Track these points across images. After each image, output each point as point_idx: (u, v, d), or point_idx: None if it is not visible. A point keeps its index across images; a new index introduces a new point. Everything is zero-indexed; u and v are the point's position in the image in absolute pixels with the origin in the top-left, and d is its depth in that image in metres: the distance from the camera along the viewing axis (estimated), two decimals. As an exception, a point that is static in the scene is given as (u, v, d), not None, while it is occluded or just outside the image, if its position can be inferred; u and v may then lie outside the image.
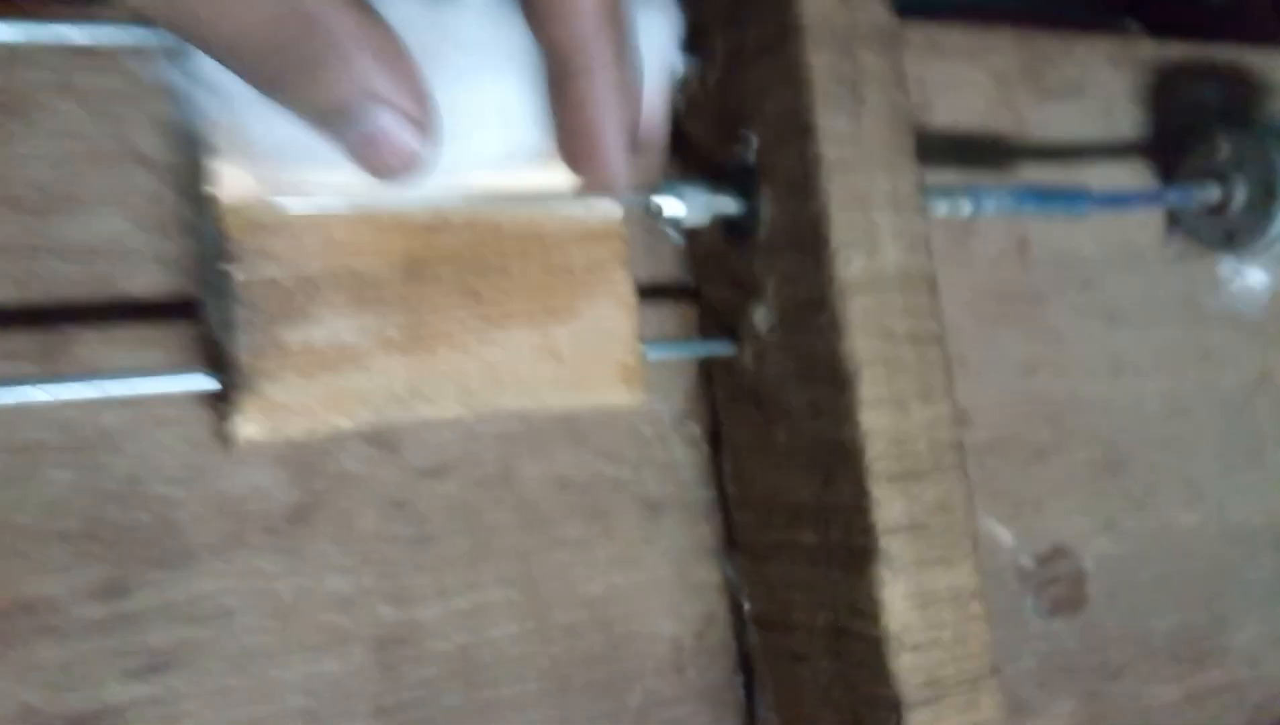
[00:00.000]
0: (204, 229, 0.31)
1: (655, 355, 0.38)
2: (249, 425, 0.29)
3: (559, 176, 0.32)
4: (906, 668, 0.33)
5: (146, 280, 0.32)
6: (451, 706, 0.35)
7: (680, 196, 0.36)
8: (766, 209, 0.36)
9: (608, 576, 0.38)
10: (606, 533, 0.38)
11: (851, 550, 0.34)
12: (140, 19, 0.25)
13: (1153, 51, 0.53)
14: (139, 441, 0.32)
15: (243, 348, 0.29)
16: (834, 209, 0.33)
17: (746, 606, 0.39)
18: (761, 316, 0.36)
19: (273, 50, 0.22)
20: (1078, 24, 0.55)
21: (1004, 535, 0.46)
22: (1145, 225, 0.52)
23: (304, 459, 0.34)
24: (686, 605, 0.39)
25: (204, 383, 0.30)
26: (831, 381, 0.34)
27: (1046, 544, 0.47)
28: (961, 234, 0.46)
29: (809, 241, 0.34)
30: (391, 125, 0.24)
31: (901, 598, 0.33)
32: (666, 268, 0.41)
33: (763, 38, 0.36)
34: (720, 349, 0.38)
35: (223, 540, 0.32)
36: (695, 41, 0.38)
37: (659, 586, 0.39)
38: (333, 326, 0.30)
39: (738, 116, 0.37)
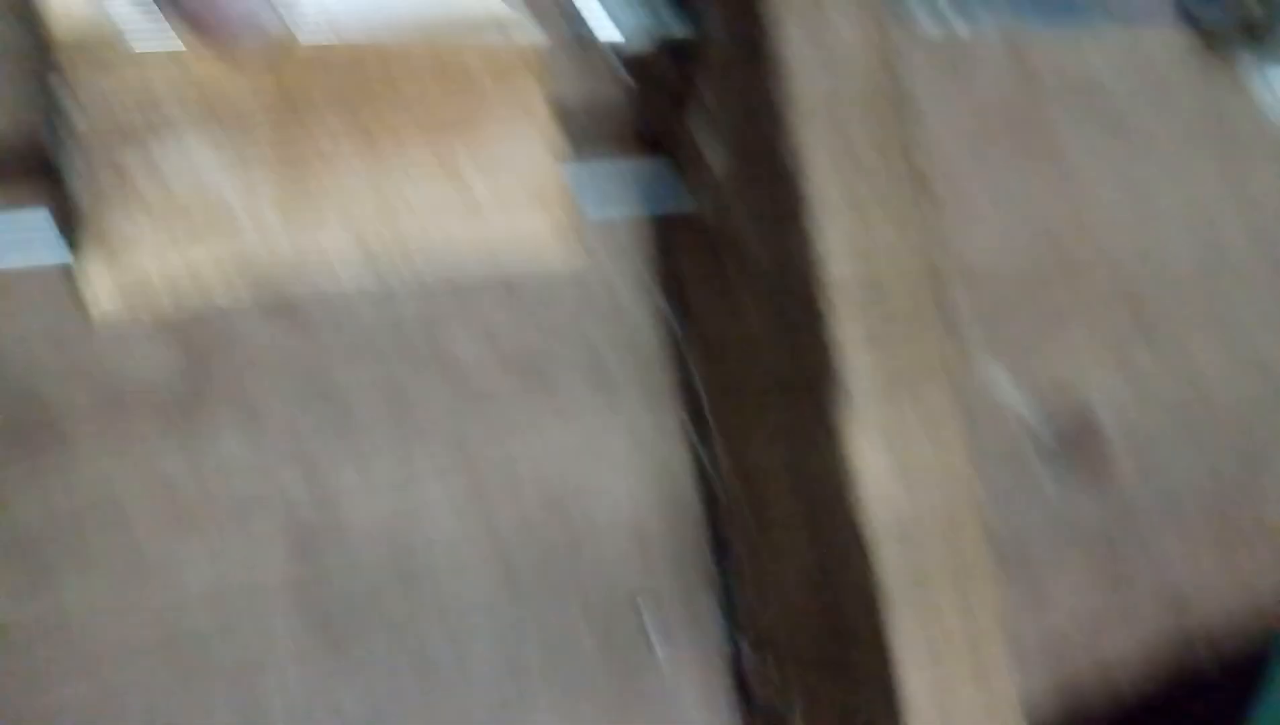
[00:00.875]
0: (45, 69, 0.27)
1: (605, 213, 0.33)
2: (103, 296, 0.25)
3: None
4: (889, 557, 0.28)
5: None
6: (385, 613, 0.31)
7: (611, 13, 0.30)
8: (714, 27, 0.31)
9: (559, 458, 0.34)
10: (559, 413, 0.34)
11: (820, 413, 0.29)
12: None
13: None
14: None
15: (89, 210, 0.25)
16: (787, 21, 0.28)
17: (717, 485, 0.35)
18: (717, 159, 0.32)
19: None
20: None
21: (1014, 395, 0.42)
22: (1169, 44, 0.45)
23: (198, 332, 0.30)
24: (650, 487, 0.35)
25: (58, 255, 0.26)
26: (793, 229, 0.29)
27: (1067, 412, 0.43)
28: (954, 56, 0.40)
29: (762, 62, 0.29)
30: None
31: (881, 470, 0.28)
32: (605, 116, 0.36)
33: None
34: (677, 204, 0.33)
35: (104, 426, 0.29)
36: None
37: (618, 467, 0.35)
38: (194, 175, 0.26)
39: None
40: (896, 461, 0.28)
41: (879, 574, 0.28)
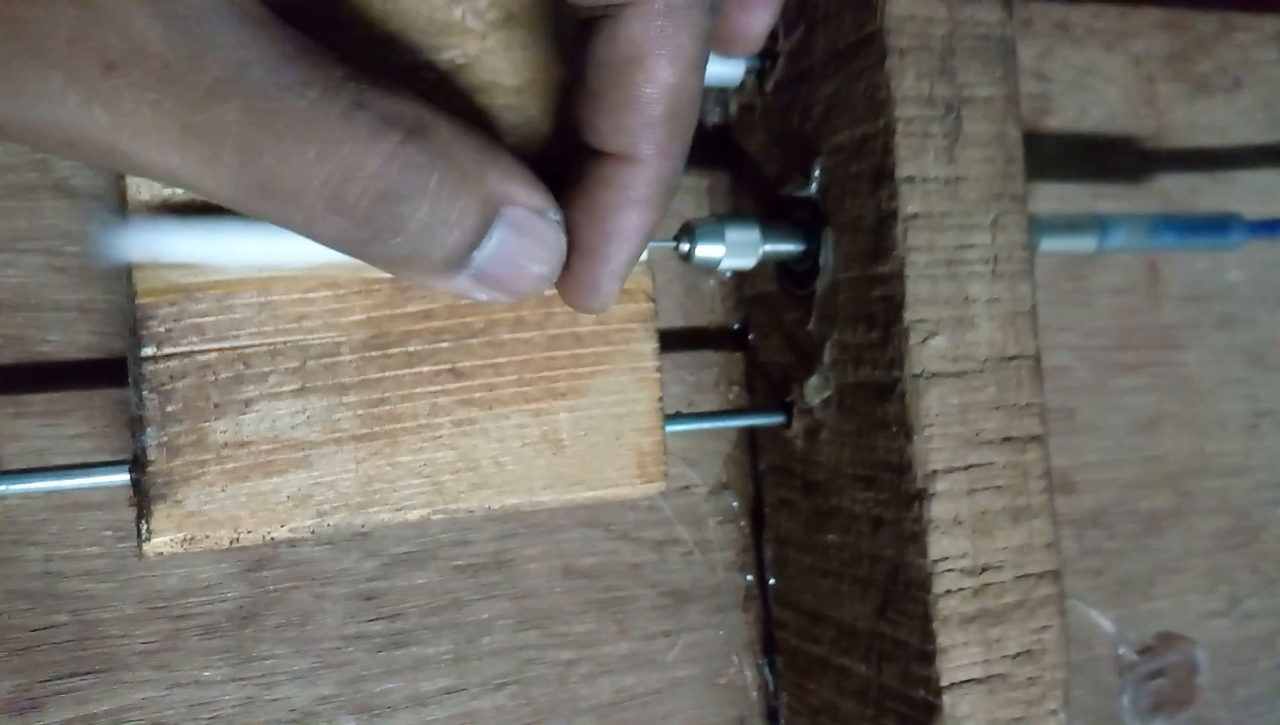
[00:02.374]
0: (125, 281, 0.25)
1: (686, 427, 0.31)
2: (159, 539, 0.23)
3: None
4: None
5: (65, 336, 0.27)
6: (424, 833, 0.30)
7: (719, 238, 0.29)
8: (829, 258, 0.29)
9: (619, 678, 0.32)
10: (620, 626, 0.32)
11: (909, 701, 0.27)
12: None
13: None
14: (56, 530, 0.27)
15: (152, 445, 0.23)
16: (913, 275, 0.26)
17: (783, 719, 0.33)
18: (814, 390, 0.30)
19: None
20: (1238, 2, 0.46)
21: (1103, 622, 0.39)
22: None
23: (253, 548, 0.28)
24: (712, 711, 0.33)
25: (120, 477, 0.24)
26: (896, 491, 0.27)
27: (1153, 631, 0.40)
28: (1079, 263, 0.38)
29: (880, 311, 0.27)
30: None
31: (967, 766, 0.26)
32: (708, 308, 0.34)
33: (835, 42, 0.28)
34: (765, 420, 0.31)
35: (154, 644, 0.27)
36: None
37: (679, 689, 0.33)
38: (270, 414, 0.24)
39: (801, 138, 0.30)
40: (987, 765, 0.26)
41: None
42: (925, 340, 0.26)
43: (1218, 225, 0.36)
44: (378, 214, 0.19)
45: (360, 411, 0.25)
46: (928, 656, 0.26)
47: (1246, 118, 0.42)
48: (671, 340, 0.33)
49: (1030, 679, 0.27)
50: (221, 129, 0.18)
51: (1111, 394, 0.39)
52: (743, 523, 0.34)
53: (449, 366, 0.26)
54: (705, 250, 0.28)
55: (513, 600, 0.31)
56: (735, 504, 0.34)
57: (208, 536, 0.24)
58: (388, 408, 0.25)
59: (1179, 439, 0.41)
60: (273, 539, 0.24)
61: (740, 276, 0.34)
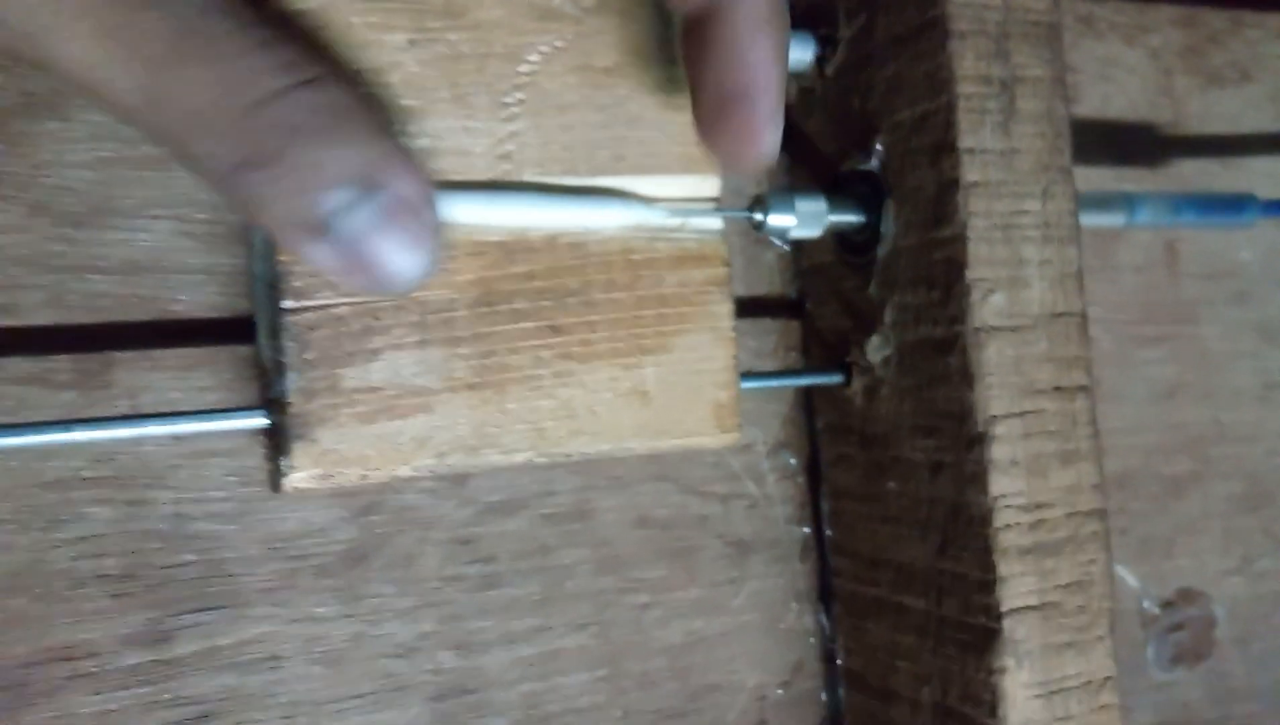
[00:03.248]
0: (255, 242, 0.28)
1: (753, 385, 0.34)
2: (298, 474, 0.26)
3: (654, 189, 0.28)
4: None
5: (194, 297, 0.29)
6: (515, 762, 0.32)
7: (790, 208, 0.31)
8: (890, 227, 0.31)
9: (688, 622, 0.35)
10: (689, 574, 0.35)
11: (969, 628, 0.30)
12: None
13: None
14: (185, 475, 0.29)
15: (293, 389, 0.25)
16: (973, 238, 0.29)
17: (840, 660, 0.35)
18: (876, 348, 0.32)
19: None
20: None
21: (1128, 578, 0.42)
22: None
23: (363, 494, 0.31)
24: (773, 654, 0.36)
25: (254, 421, 0.27)
26: (957, 437, 0.29)
27: (1174, 587, 0.43)
28: (1103, 241, 0.41)
29: (941, 272, 0.30)
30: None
31: (1024, 687, 0.29)
32: (767, 279, 0.36)
33: (896, 27, 0.31)
34: (825, 379, 0.34)
35: (273, 583, 0.30)
36: (815, 21, 0.34)
37: (743, 633, 0.35)
38: (394, 364, 0.27)
39: (862, 117, 0.32)
40: (1048, 696, 0.29)
41: (1016, 794, 0.28)
42: (985, 297, 0.29)
43: (1234, 204, 0.39)
44: (256, 145, 0.19)
45: (472, 362, 0.27)
46: (988, 586, 0.29)
47: (1255, 107, 0.45)
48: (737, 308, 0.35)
49: (1080, 607, 0.29)
50: (141, 35, 0.19)
51: (1134, 365, 0.42)
52: (800, 478, 0.36)
53: (549, 323, 0.28)
54: (777, 220, 0.31)
55: (592, 548, 0.33)
56: (793, 461, 0.36)
57: (341, 473, 0.26)
58: (496, 359, 0.28)
59: (1196, 408, 0.43)
60: (397, 477, 0.27)
61: (797, 249, 0.36)
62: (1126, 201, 0.37)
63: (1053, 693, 0.29)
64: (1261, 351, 0.45)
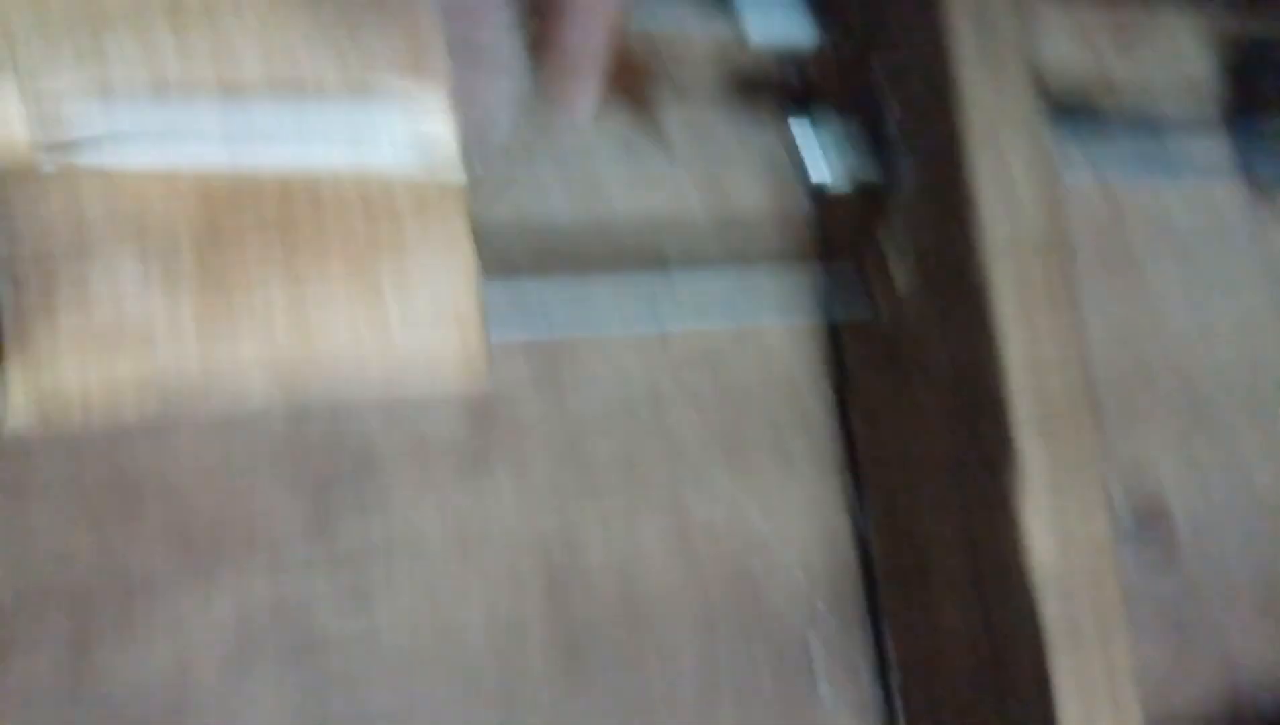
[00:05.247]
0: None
1: (792, 321, 0.40)
2: (17, 415, 0.26)
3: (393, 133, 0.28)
4: (1051, 609, 0.35)
5: None
6: (616, 643, 0.37)
7: (827, 160, 0.38)
8: (907, 175, 0.38)
9: (750, 525, 0.40)
10: (750, 485, 0.40)
11: (996, 498, 0.36)
12: None
13: (1238, 25, 0.55)
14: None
15: (8, 329, 0.25)
16: (981, 176, 0.36)
17: (876, 557, 0.41)
18: (902, 279, 0.39)
19: None
20: None
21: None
22: (1232, 195, 0.54)
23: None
24: (821, 554, 0.41)
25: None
26: (978, 341, 0.36)
27: (1143, 498, 0.50)
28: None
29: (954, 207, 0.36)
30: None
31: (1047, 543, 0.35)
32: (793, 233, 0.43)
33: (903, 10, 0.38)
34: (857, 312, 0.40)
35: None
36: (824, 9, 0.40)
37: (796, 535, 0.41)
38: (116, 302, 0.26)
39: (873, 84, 0.39)
40: (1059, 533, 0.35)
41: (1043, 625, 0.34)
42: (993, 222, 0.36)
43: (1166, 161, 0.47)
44: None
45: (199, 302, 0.27)
46: (1010, 457, 0.35)
47: (1174, 87, 0.53)
48: (764, 253, 0.41)
49: (1079, 475, 0.36)
50: None
51: (1094, 306, 0.49)
52: (834, 404, 0.42)
53: (280, 259, 0.28)
54: (817, 173, 0.38)
55: (670, 458, 0.39)
56: (829, 389, 0.42)
57: (62, 412, 0.26)
58: (224, 296, 0.27)
59: (1149, 346, 0.51)
60: (122, 418, 0.28)
61: (818, 203, 0.43)
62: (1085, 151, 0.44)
63: (1067, 547, 0.35)
64: (1199, 297, 0.52)
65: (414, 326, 0.29)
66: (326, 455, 0.34)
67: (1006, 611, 0.36)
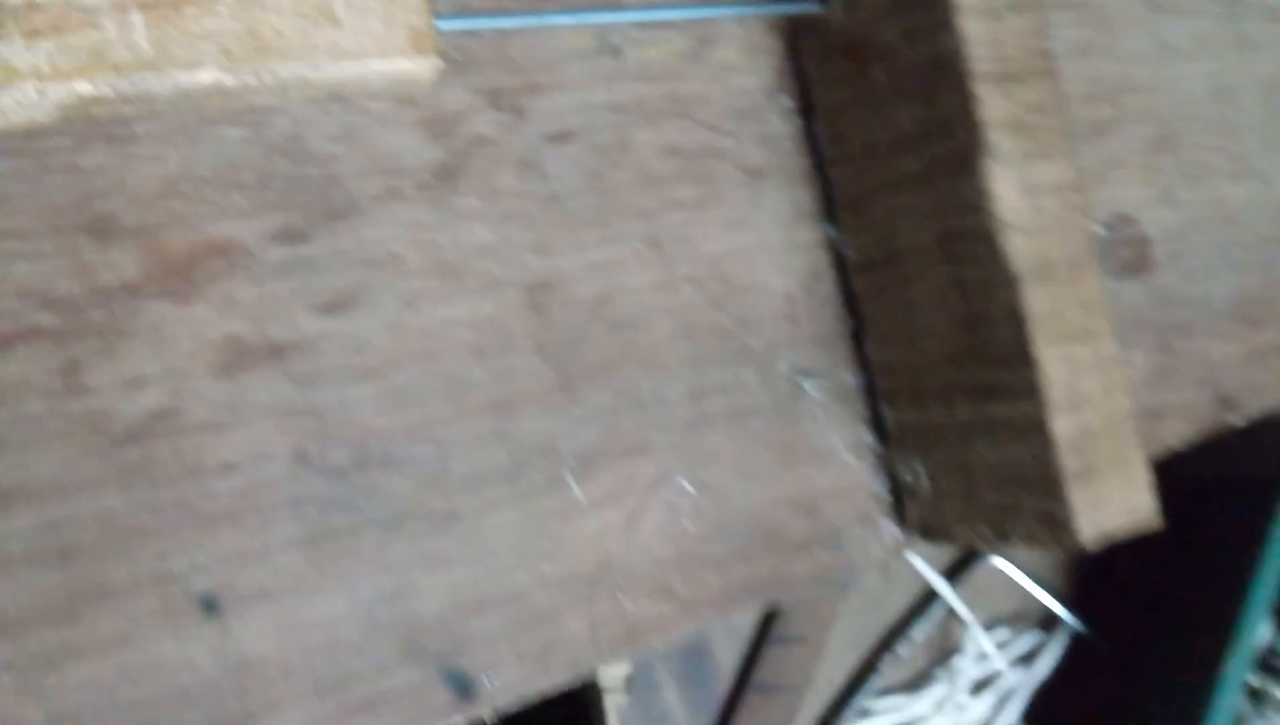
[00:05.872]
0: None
1: (742, 13, 0.40)
2: None
3: None
4: (1019, 248, 0.35)
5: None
6: (599, 345, 0.38)
7: None
8: None
9: (721, 236, 0.41)
10: (716, 197, 0.41)
11: (959, 153, 0.36)
12: None
13: None
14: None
15: None
16: None
17: (850, 256, 0.42)
18: (849, -35, 0.39)
19: None
20: None
21: (1073, 204, 0.49)
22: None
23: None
24: (794, 262, 0.42)
25: None
26: (931, 10, 0.36)
27: (1112, 212, 0.50)
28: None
29: None
30: None
31: (1011, 187, 0.36)
32: (744, -50, 0.43)
33: None
34: (809, 7, 0.40)
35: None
36: None
37: (767, 246, 0.41)
38: None
39: None
40: (1024, 182, 0.35)
41: (1013, 267, 0.35)
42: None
43: None
44: None
45: None
46: (970, 111, 0.35)
47: None
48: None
49: (1044, 125, 0.36)
50: None
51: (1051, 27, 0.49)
52: (796, 118, 0.42)
53: None
54: None
55: (633, 171, 0.39)
56: (789, 102, 0.42)
57: (17, 87, 0.27)
58: None
59: (1105, 65, 0.51)
60: (78, 95, 0.28)
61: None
62: None
63: (1031, 191, 0.36)
64: (1149, 18, 0.52)
65: (359, 8, 0.30)
66: (293, 166, 0.34)
67: (978, 267, 0.36)
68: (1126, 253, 0.50)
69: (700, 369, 0.39)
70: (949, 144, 0.36)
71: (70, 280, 0.31)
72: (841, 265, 0.42)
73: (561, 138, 0.38)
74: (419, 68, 0.31)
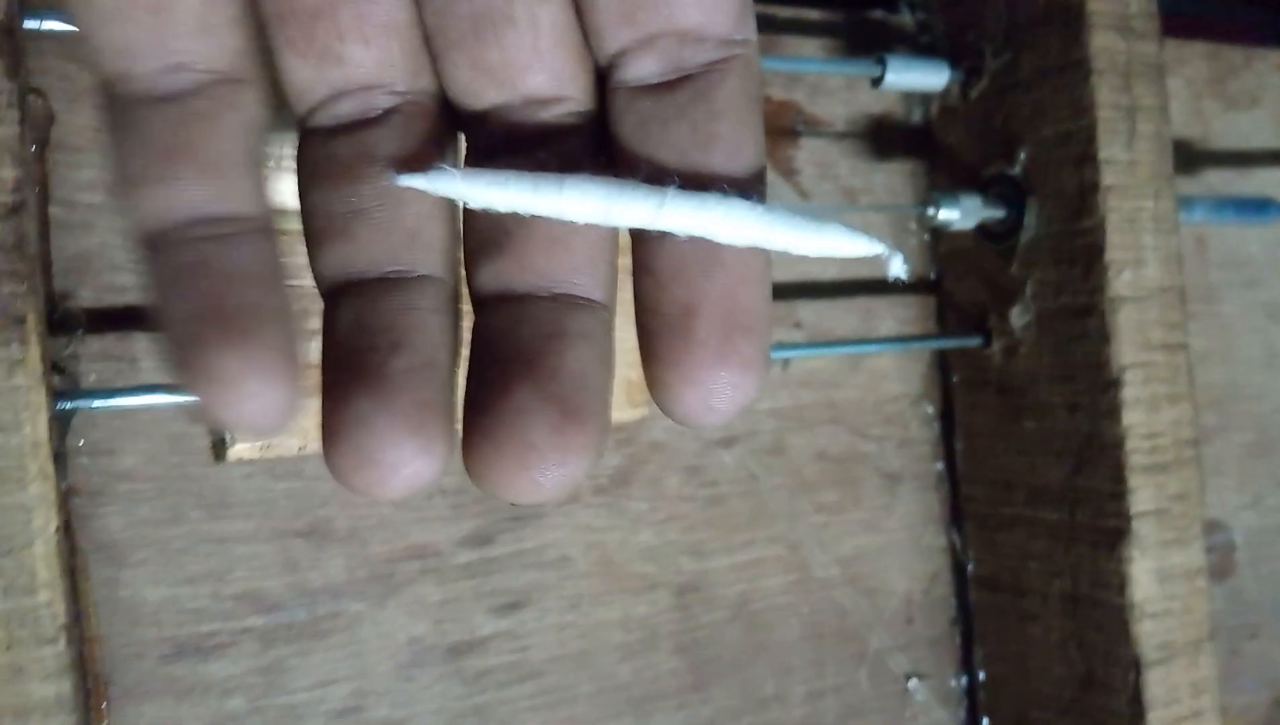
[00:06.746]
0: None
1: (906, 348, 0.42)
2: (241, 444, 0.31)
3: None
4: (1146, 632, 0.38)
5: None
6: (734, 645, 0.40)
7: (955, 204, 0.39)
8: (1032, 219, 0.40)
9: (855, 538, 0.43)
10: (855, 500, 0.43)
11: (1101, 530, 0.38)
12: None
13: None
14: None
15: None
16: (1110, 228, 0.37)
17: (970, 568, 0.44)
18: (1018, 315, 0.41)
19: None
20: (1252, 32, 0.59)
21: (1171, 510, 0.51)
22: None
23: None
24: (918, 565, 0.44)
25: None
26: (1094, 382, 0.38)
27: (1207, 519, 0.52)
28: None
29: (1081, 255, 0.38)
30: None
31: (1146, 573, 0.38)
32: (910, 263, 0.45)
33: (1042, 64, 0.39)
34: (969, 342, 0.42)
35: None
36: (957, 56, 0.42)
37: (896, 548, 0.44)
38: None
39: (1005, 132, 0.41)
40: (1161, 579, 0.38)
41: (1138, 650, 0.37)
42: (1118, 273, 0.38)
43: (1260, 206, 0.49)
44: None
45: None
46: (1119, 496, 0.38)
47: (1262, 128, 0.55)
48: (883, 286, 0.43)
49: (1183, 512, 0.38)
50: None
51: (1173, 337, 0.52)
52: (935, 424, 0.45)
53: None
54: (946, 214, 0.39)
55: (786, 476, 0.41)
56: (930, 410, 0.45)
57: (281, 444, 0.30)
58: None
59: (1219, 372, 0.53)
60: None
61: (936, 236, 0.45)
62: (1185, 202, 0.46)
63: (1164, 578, 0.38)
64: (1266, 327, 0.55)
65: None
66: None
67: (1101, 632, 0.39)
68: (1214, 560, 0.52)
69: (821, 670, 0.42)
70: (1094, 518, 0.38)
71: (280, 580, 0.33)
72: (958, 568, 0.45)
73: (727, 443, 0.40)
74: (629, 418, 0.33)
